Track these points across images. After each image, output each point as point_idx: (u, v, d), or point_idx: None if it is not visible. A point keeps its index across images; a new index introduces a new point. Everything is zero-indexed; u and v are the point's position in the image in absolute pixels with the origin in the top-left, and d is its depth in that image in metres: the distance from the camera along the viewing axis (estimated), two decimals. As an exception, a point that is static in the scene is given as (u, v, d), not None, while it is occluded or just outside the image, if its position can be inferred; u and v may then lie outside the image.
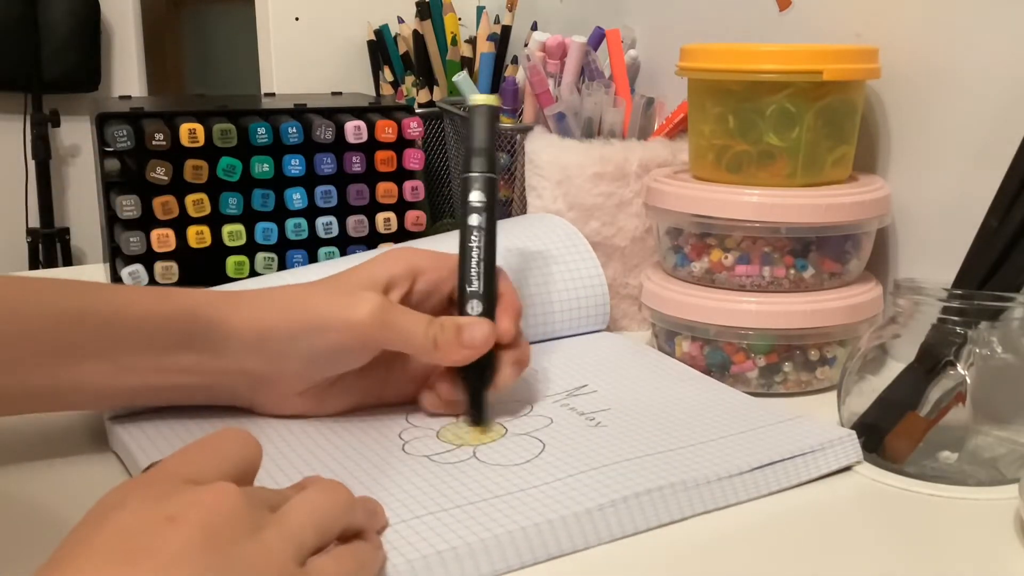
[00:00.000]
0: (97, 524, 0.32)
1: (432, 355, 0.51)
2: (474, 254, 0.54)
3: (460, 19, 1.08)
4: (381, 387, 0.55)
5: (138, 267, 0.72)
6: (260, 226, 0.75)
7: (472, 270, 0.53)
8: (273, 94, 1.01)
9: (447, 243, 0.56)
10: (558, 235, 0.68)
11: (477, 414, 0.53)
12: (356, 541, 0.38)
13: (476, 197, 0.55)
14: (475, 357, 0.52)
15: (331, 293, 0.52)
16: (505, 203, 0.80)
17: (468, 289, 0.53)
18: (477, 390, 0.53)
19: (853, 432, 0.51)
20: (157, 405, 0.53)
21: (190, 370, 0.50)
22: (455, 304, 0.54)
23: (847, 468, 0.50)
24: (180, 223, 0.73)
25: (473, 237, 0.54)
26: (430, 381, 0.55)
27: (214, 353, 0.50)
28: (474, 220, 0.54)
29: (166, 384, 0.50)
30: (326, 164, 0.76)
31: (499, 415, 0.54)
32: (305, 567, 0.35)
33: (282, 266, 0.76)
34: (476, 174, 0.55)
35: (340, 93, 0.97)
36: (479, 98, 0.56)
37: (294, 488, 0.40)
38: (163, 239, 0.72)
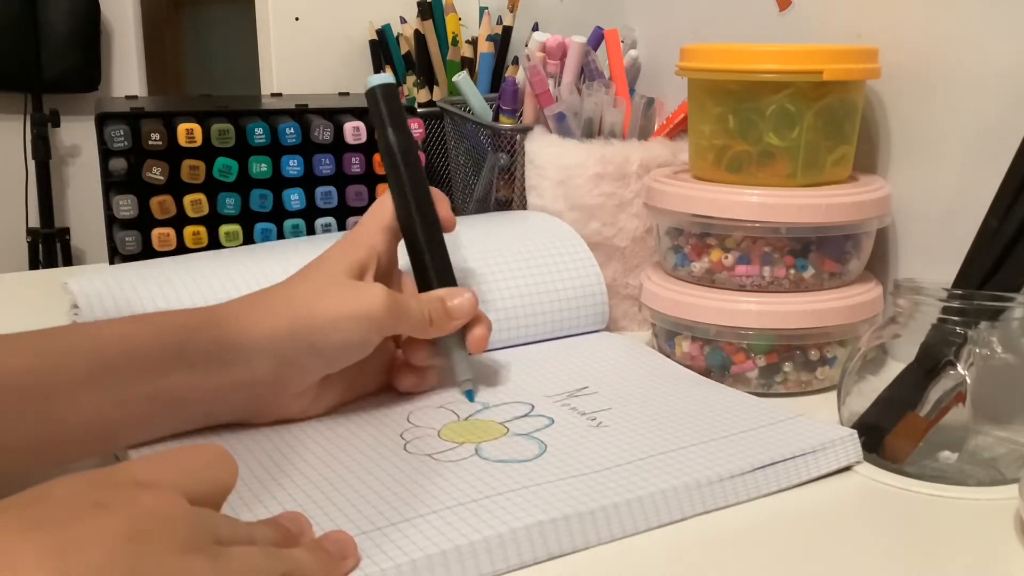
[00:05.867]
0: (31, 492, 0.31)
1: (428, 331, 0.54)
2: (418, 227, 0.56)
3: (461, 19, 1.08)
4: (360, 378, 0.56)
5: (136, 267, 0.72)
6: (259, 227, 0.75)
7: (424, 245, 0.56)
8: (280, 94, 1.01)
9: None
10: (556, 235, 0.68)
11: (462, 371, 0.56)
12: None
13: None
14: (462, 325, 0.55)
15: (332, 287, 0.52)
16: (505, 203, 0.80)
17: (424, 260, 0.56)
18: (459, 350, 0.56)
19: (854, 432, 0.51)
20: (161, 435, 0.50)
21: (187, 390, 0.48)
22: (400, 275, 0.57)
23: (847, 468, 0.50)
24: (178, 223, 0.73)
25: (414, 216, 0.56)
26: (398, 362, 0.57)
27: (220, 366, 0.48)
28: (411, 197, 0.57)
29: (164, 408, 0.48)
30: (325, 165, 0.76)
31: (500, 415, 0.54)
32: None
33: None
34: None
35: (347, 94, 0.97)
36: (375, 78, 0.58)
37: (259, 526, 0.37)
38: (163, 238, 0.72)
